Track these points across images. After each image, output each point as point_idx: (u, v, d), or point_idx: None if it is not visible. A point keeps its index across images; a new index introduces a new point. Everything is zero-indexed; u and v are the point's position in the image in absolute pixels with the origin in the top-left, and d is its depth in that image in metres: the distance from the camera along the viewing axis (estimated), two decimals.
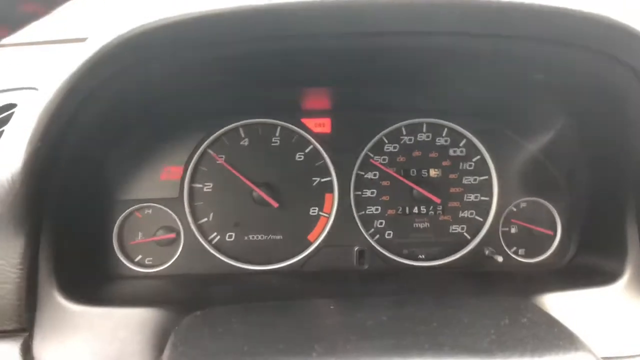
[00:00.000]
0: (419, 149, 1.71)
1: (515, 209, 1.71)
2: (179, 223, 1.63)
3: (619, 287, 1.29)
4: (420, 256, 1.71)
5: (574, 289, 1.29)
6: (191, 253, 1.63)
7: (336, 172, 1.68)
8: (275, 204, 1.64)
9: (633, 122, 1.25)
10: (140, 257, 1.62)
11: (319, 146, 1.68)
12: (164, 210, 1.63)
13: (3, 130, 1.18)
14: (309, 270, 1.67)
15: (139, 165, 1.62)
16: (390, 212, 1.71)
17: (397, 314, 1.01)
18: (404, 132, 1.71)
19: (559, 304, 1.24)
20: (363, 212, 1.70)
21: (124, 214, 1.60)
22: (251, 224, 1.67)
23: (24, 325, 1.10)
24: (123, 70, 1.05)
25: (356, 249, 1.67)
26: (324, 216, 1.69)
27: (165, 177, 1.63)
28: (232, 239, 1.66)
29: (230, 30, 0.97)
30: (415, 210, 1.71)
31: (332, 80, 1.43)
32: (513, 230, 1.71)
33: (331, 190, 1.69)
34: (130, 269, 1.60)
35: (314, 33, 0.98)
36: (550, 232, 1.70)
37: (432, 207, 1.71)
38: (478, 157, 1.72)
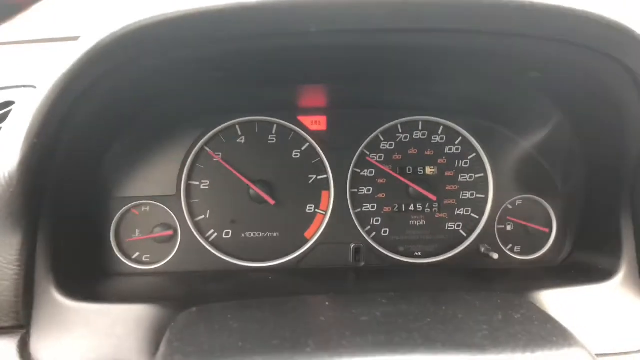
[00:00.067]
0: (415, 146, 1.72)
1: (510, 207, 1.72)
2: (176, 220, 1.64)
3: (614, 284, 1.29)
4: (416, 253, 1.71)
5: (569, 286, 1.30)
6: (188, 250, 1.64)
7: (332, 170, 1.68)
8: (271, 202, 1.65)
9: (628, 120, 1.25)
10: (137, 254, 1.63)
11: (315, 144, 1.69)
12: (161, 207, 1.64)
13: (0, 128, 1.18)
14: (305, 267, 1.67)
15: (137, 162, 1.63)
16: (386, 209, 1.71)
17: (392, 310, 1.01)
18: (400, 130, 1.72)
19: (554, 301, 1.24)
20: (359, 210, 1.71)
21: (121, 211, 1.61)
22: (248, 221, 1.67)
23: (21, 322, 1.11)
24: (116, 68, 1.05)
25: (352, 246, 1.68)
26: (320, 213, 1.69)
27: (162, 174, 1.64)
28: (229, 236, 1.67)
29: (224, 27, 0.97)
30: (411, 207, 1.72)
31: (327, 78, 1.43)
32: (509, 228, 1.72)
33: (327, 188, 1.69)
34: (128, 266, 1.61)
35: (307, 31, 0.98)
36: (545, 230, 1.71)
37: (428, 204, 1.72)
38: (474, 154, 1.73)
